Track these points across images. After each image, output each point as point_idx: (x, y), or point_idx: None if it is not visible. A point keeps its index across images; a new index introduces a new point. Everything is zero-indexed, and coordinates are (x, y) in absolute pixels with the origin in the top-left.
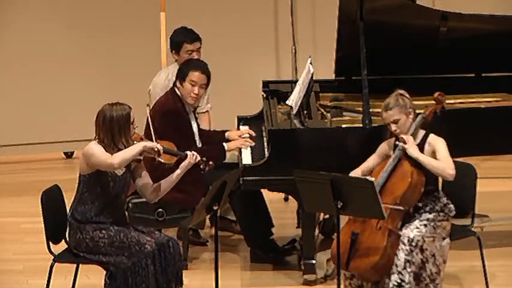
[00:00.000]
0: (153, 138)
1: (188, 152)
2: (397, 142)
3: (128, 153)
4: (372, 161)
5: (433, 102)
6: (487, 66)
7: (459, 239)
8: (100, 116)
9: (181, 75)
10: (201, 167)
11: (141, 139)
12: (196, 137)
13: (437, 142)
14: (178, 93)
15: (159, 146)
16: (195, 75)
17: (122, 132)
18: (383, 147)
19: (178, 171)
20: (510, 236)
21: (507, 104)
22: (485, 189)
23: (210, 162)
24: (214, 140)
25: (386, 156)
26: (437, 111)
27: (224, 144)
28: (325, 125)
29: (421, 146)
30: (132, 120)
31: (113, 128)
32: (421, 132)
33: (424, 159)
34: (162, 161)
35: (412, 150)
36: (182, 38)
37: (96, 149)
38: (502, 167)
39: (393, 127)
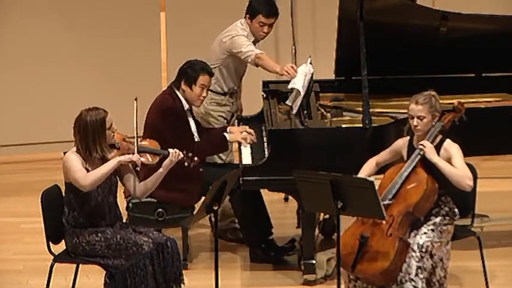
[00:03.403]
0: (135, 137)
1: (170, 150)
2: (414, 145)
3: (101, 172)
4: (385, 154)
5: (452, 110)
6: (487, 66)
7: (459, 239)
8: (76, 122)
9: (190, 79)
10: (186, 164)
11: (124, 139)
12: (195, 135)
13: (453, 149)
14: (179, 93)
15: (134, 158)
16: (205, 79)
17: (96, 139)
18: (398, 143)
19: (160, 170)
20: (510, 236)
21: (507, 104)
22: (485, 189)
23: (195, 158)
24: (215, 136)
25: (398, 154)
26: (455, 120)
27: (225, 134)
28: (325, 125)
29: (436, 151)
30: (108, 125)
31: (86, 134)
32: (438, 137)
33: (444, 165)
34: (144, 162)
35: (432, 155)
36: (260, 8)
37: (72, 163)
38: (502, 167)
39: (415, 122)
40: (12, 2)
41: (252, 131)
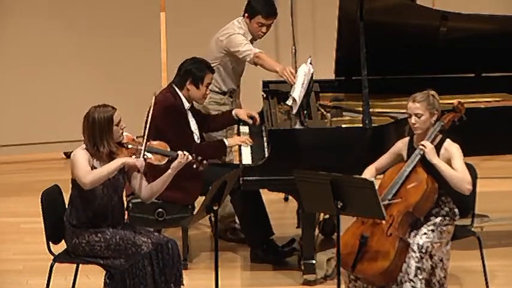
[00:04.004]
0: (144, 140)
1: (179, 152)
2: (415, 146)
3: (103, 172)
4: (385, 159)
5: (452, 110)
6: (487, 66)
7: (459, 239)
8: (85, 118)
9: (196, 79)
10: (194, 166)
11: (133, 140)
12: (196, 134)
13: (453, 149)
14: (179, 92)
15: (138, 164)
16: (210, 77)
17: (104, 135)
18: (397, 145)
19: (169, 171)
20: (510, 236)
21: (507, 104)
22: (485, 189)
23: (204, 162)
24: (221, 122)
25: (398, 156)
26: (455, 120)
27: (224, 140)
28: (325, 125)
29: (436, 150)
30: (117, 121)
31: (94, 130)
32: (438, 137)
33: (443, 167)
34: (153, 162)
35: (432, 156)
36: (259, 8)
37: (79, 159)
38: (502, 167)
39: (413, 120)
40: (12, 2)
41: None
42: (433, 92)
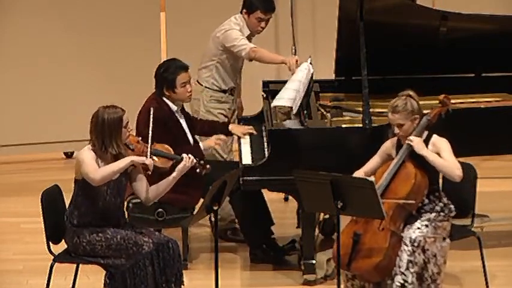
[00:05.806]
0: (149, 142)
1: (184, 155)
2: (402, 143)
3: (113, 169)
4: (374, 162)
5: (438, 104)
6: (487, 66)
7: (459, 239)
8: (93, 119)
9: (168, 84)
10: (198, 170)
11: (138, 142)
12: (188, 135)
13: (441, 143)
14: (164, 98)
15: (147, 162)
16: (184, 77)
17: (113, 136)
18: (385, 146)
19: (174, 174)
20: (510, 236)
21: (507, 104)
22: (485, 189)
23: (208, 166)
24: (215, 130)
25: (388, 156)
26: (442, 114)
27: (200, 143)
28: (325, 125)
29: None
30: (125, 123)
31: (103, 131)
32: (425, 133)
33: (433, 157)
34: (158, 165)
35: (420, 147)
36: (258, 3)
37: (86, 157)
38: (502, 167)
39: (396, 130)
40: (12, 2)
41: (254, 131)
42: (411, 93)
